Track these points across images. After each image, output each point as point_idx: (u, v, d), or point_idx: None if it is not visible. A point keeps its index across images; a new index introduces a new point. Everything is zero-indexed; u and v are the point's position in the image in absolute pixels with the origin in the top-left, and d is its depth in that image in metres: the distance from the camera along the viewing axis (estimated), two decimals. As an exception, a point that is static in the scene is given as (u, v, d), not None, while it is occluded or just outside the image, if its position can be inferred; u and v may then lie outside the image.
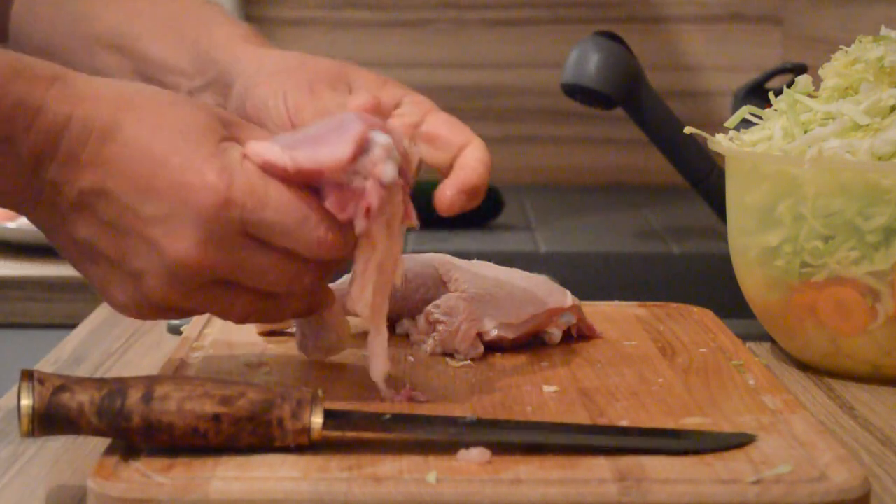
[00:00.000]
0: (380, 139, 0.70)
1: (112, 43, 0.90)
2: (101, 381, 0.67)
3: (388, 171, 0.70)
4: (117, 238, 0.70)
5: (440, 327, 0.86)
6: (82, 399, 0.66)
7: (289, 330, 0.91)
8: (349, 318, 0.80)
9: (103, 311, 1.13)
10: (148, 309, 0.72)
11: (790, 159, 0.87)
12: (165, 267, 0.69)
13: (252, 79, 0.83)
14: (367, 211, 0.70)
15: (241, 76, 0.84)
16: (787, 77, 1.48)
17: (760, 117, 0.94)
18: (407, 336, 0.89)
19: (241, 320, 0.74)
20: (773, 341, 0.97)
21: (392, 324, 0.91)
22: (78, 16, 0.93)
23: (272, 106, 0.81)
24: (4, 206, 0.72)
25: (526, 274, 0.91)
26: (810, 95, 0.92)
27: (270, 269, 0.71)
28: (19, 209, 0.72)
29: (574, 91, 1.32)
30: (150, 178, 0.69)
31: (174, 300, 0.71)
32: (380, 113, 0.79)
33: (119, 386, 0.66)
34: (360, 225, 0.70)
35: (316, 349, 0.81)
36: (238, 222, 0.69)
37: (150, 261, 0.70)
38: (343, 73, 0.83)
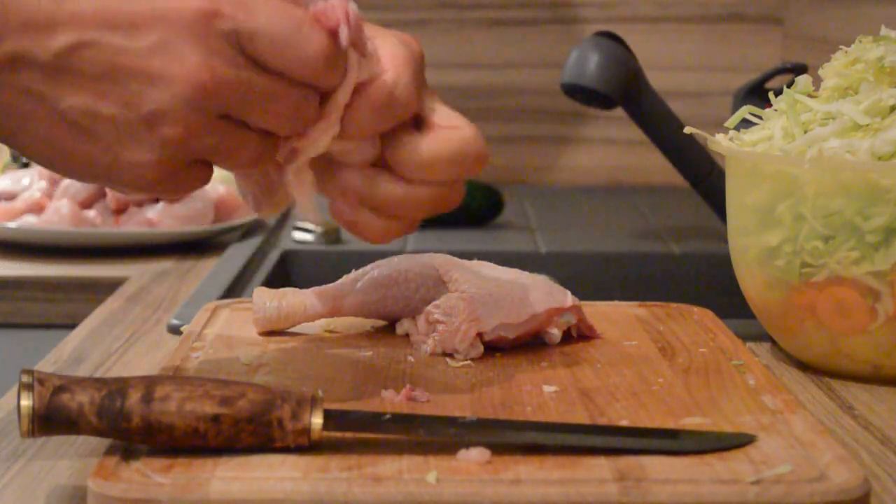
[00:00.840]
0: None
1: None
2: (101, 381, 0.67)
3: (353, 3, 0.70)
4: (116, 87, 0.65)
5: (440, 327, 0.86)
6: (82, 399, 0.66)
7: (289, 329, 0.91)
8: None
9: (103, 311, 1.13)
10: (168, 164, 0.67)
11: (790, 159, 0.87)
12: (177, 96, 0.65)
13: None
14: (347, 17, 0.69)
15: None
16: (787, 77, 1.48)
17: (760, 117, 0.94)
18: (407, 336, 0.89)
19: (249, 160, 0.69)
20: (773, 341, 0.97)
21: (392, 324, 0.92)
22: None
23: None
24: None
25: (526, 274, 0.91)
26: (810, 95, 0.92)
27: (276, 95, 0.67)
28: None
29: (574, 91, 1.32)
30: (129, 10, 0.64)
31: (194, 136, 0.66)
32: None
33: (119, 386, 0.66)
34: (344, 33, 0.68)
35: (269, 205, 0.79)
36: (233, 35, 0.66)
37: (160, 97, 0.65)
38: None
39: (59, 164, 0.68)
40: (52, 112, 0.65)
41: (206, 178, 0.71)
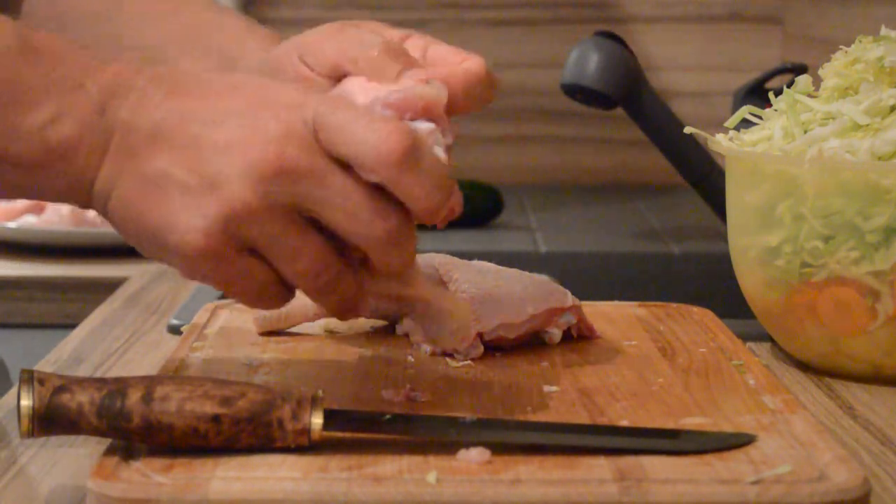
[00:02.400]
0: (421, 126, 0.70)
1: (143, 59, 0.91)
2: (101, 381, 0.67)
3: (440, 155, 0.69)
4: (194, 154, 0.67)
5: (440, 327, 0.86)
6: (82, 399, 0.66)
7: (289, 329, 0.91)
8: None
9: (103, 311, 1.13)
10: (220, 236, 0.66)
11: (790, 159, 0.87)
12: (245, 165, 0.66)
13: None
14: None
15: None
16: (787, 77, 1.48)
17: (760, 117, 0.94)
18: (407, 336, 0.89)
19: (310, 271, 0.68)
20: (773, 341, 0.97)
21: (392, 324, 0.92)
22: (104, 38, 0.93)
23: (286, 55, 0.81)
24: (72, 164, 0.69)
25: (526, 274, 0.91)
26: (810, 95, 0.92)
27: (347, 192, 0.66)
28: (78, 156, 0.69)
29: (574, 91, 1.32)
30: (229, 100, 0.68)
31: (250, 214, 0.66)
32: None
33: (119, 386, 0.66)
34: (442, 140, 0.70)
35: (446, 340, 0.79)
36: (311, 124, 0.67)
37: (228, 163, 0.66)
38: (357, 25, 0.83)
39: (129, 223, 0.69)
40: (139, 171, 0.68)
41: (263, 279, 0.69)
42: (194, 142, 0.67)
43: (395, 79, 0.76)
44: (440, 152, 0.69)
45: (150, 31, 0.92)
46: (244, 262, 0.68)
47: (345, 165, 0.67)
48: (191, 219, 0.67)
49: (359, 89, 0.76)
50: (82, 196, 0.70)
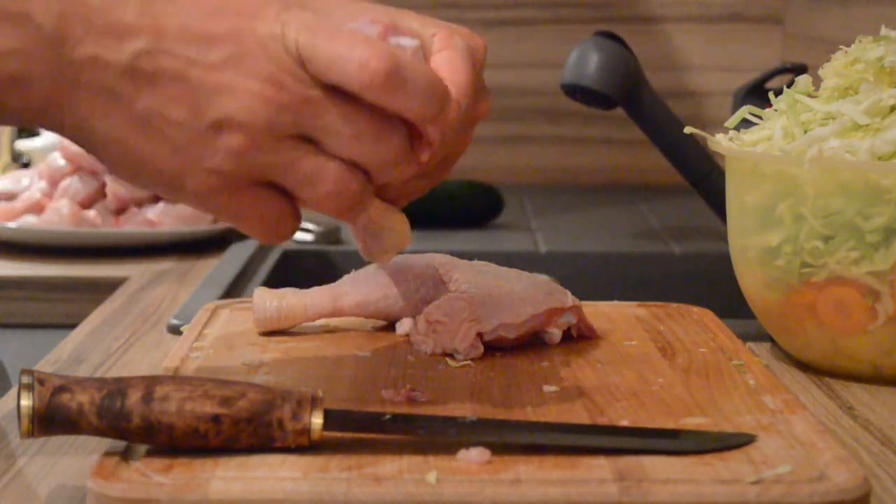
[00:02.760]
0: (405, 42, 0.70)
1: None
2: (101, 381, 0.67)
3: None
4: (186, 92, 0.66)
5: (440, 327, 0.86)
6: (82, 399, 0.66)
7: (289, 329, 0.91)
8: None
9: (103, 311, 1.13)
10: (231, 179, 0.67)
11: (790, 159, 0.87)
12: (245, 107, 0.66)
13: None
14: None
15: None
16: (787, 77, 1.48)
17: (760, 117, 0.94)
18: (407, 336, 0.89)
19: (331, 196, 0.68)
20: (773, 341, 0.97)
21: (392, 324, 0.92)
22: None
23: None
24: (36, 110, 0.67)
25: (526, 274, 0.91)
26: (810, 95, 0.92)
27: (349, 117, 0.66)
28: (49, 107, 0.67)
29: (574, 91, 1.32)
30: (207, 28, 0.67)
31: (261, 153, 0.66)
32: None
33: (119, 386, 0.66)
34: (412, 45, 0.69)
35: (383, 251, 0.79)
36: (296, 54, 0.66)
37: (228, 105, 0.66)
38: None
39: (131, 168, 0.69)
40: (127, 112, 0.67)
41: (286, 214, 0.69)
42: (183, 80, 0.66)
43: None
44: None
45: None
46: (258, 194, 0.68)
47: (341, 91, 0.67)
48: (201, 160, 0.67)
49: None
50: (51, 125, 0.68)
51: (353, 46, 0.66)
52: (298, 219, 0.71)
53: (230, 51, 0.66)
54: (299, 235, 1.54)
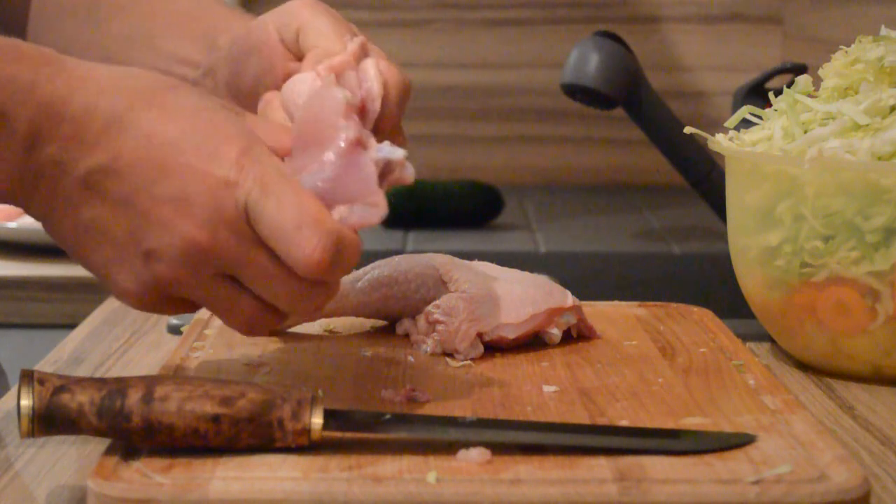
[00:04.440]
0: (391, 153, 0.70)
1: (126, 44, 0.91)
2: (101, 381, 0.67)
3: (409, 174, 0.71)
4: (128, 217, 0.69)
5: (440, 327, 0.86)
6: (82, 399, 0.66)
7: (289, 329, 0.91)
8: None
9: (103, 311, 1.13)
10: (154, 296, 0.71)
11: (790, 159, 0.87)
12: (176, 247, 0.68)
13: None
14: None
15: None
16: (787, 77, 1.48)
17: (760, 117, 0.94)
18: (407, 336, 0.89)
19: (243, 325, 0.72)
20: (773, 341, 0.97)
21: (392, 324, 0.92)
22: (92, 23, 0.93)
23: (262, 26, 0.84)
24: (2, 196, 0.71)
25: (526, 274, 0.91)
26: (810, 95, 0.92)
27: (275, 276, 0.69)
28: (15, 196, 0.70)
29: (574, 91, 1.32)
30: (163, 159, 0.68)
31: (183, 286, 0.70)
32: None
33: (119, 386, 0.66)
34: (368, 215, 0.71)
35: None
36: (244, 209, 0.68)
37: (161, 240, 0.69)
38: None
39: (76, 257, 0.73)
40: (75, 217, 0.70)
41: (194, 310, 0.74)
42: (128, 204, 0.69)
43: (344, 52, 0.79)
44: (410, 172, 0.71)
45: (139, 17, 0.92)
46: (176, 305, 0.72)
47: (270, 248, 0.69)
48: (126, 278, 0.71)
49: (306, 86, 0.78)
50: (13, 205, 0.72)
51: (299, 226, 0.68)
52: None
53: (177, 188, 0.69)
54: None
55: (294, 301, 0.70)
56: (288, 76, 0.82)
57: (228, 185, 0.68)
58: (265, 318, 0.72)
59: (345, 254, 0.68)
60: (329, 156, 0.70)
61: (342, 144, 0.70)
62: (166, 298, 0.71)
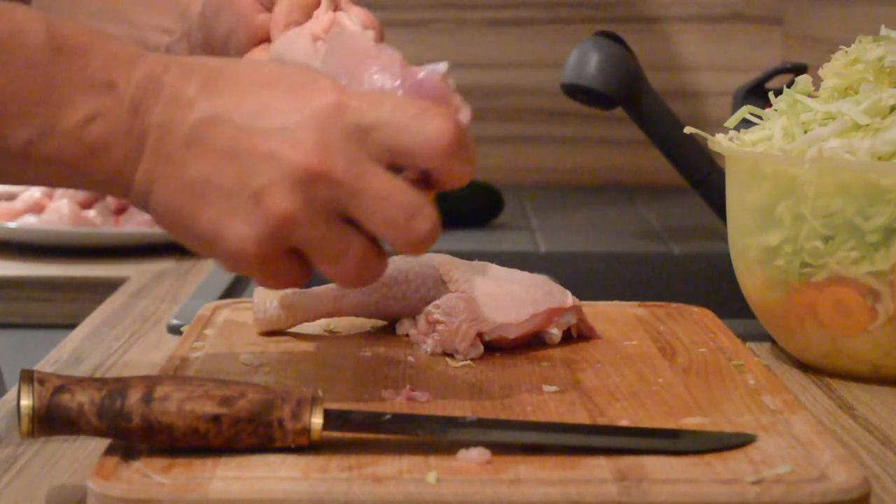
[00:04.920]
0: (435, 67, 0.73)
1: (100, 18, 0.93)
2: (101, 381, 0.67)
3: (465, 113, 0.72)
4: (235, 162, 0.68)
5: (440, 327, 0.86)
6: (82, 399, 0.66)
7: (289, 329, 0.91)
8: None
9: (103, 311, 1.13)
10: (269, 245, 0.69)
11: (790, 159, 0.87)
12: (287, 176, 0.67)
13: None
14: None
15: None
16: (787, 77, 1.48)
17: (760, 117, 0.94)
18: (407, 336, 0.89)
19: (351, 271, 0.70)
20: (773, 341, 0.97)
21: (392, 324, 0.92)
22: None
23: None
24: (109, 175, 0.70)
25: (526, 274, 0.91)
26: (810, 95, 0.92)
27: (388, 196, 0.68)
28: (124, 168, 0.70)
29: (574, 91, 1.32)
30: (263, 95, 0.69)
31: (297, 225, 0.68)
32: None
33: (119, 386, 0.66)
34: (465, 115, 0.72)
35: None
36: (357, 128, 0.68)
37: (271, 175, 0.68)
38: None
39: (177, 228, 0.71)
40: (181, 177, 0.69)
41: (304, 277, 0.72)
42: (233, 148, 0.68)
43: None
44: (467, 114, 0.72)
45: None
46: (288, 261, 0.70)
47: (383, 167, 0.68)
48: (239, 229, 0.69)
49: (295, 41, 0.81)
50: (120, 191, 0.71)
51: (422, 111, 0.69)
52: (308, 278, 0.73)
53: (281, 121, 0.68)
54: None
55: (404, 227, 0.68)
56: (258, 27, 0.86)
57: (336, 108, 0.68)
58: (373, 264, 0.70)
59: (465, 140, 0.69)
60: (390, 83, 0.71)
61: (397, 68, 0.72)
62: (281, 254, 0.70)
